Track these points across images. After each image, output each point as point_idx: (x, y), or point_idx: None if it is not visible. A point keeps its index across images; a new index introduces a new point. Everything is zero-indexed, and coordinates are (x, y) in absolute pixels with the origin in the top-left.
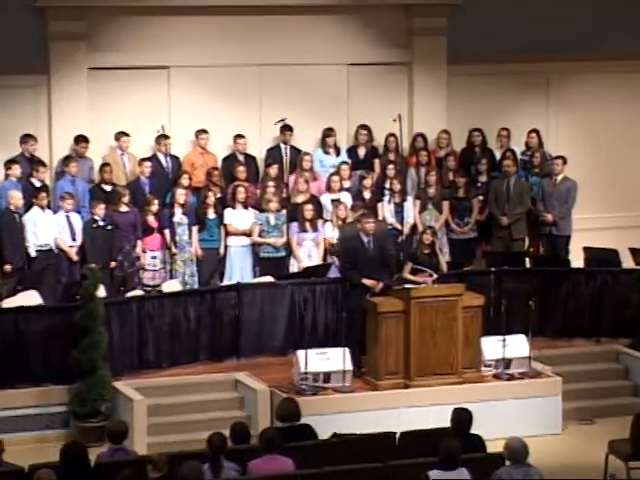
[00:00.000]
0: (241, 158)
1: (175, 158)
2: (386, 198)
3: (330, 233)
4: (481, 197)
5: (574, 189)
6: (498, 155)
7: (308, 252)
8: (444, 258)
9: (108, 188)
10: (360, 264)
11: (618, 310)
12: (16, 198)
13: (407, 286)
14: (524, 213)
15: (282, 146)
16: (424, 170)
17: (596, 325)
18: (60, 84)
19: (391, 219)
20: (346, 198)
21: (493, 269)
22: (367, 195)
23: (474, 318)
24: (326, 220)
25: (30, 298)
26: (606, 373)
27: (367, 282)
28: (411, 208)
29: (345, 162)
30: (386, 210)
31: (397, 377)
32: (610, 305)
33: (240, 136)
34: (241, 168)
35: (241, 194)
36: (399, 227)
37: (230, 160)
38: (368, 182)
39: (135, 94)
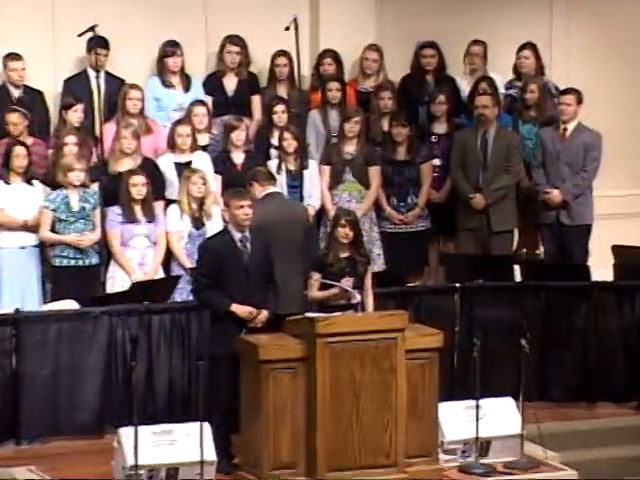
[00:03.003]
0: (17, 94)
1: None
2: (273, 163)
3: (177, 224)
4: (437, 160)
5: (597, 146)
6: (466, 88)
7: (140, 257)
8: (375, 265)
9: None
10: (229, 279)
11: None
12: None
13: (311, 315)
14: (512, 187)
15: (91, 74)
16: (338, 114)
17: (634, 380)
18: None
19: None
20: (203, 162)
21: (458, 284)
22: (239, 158)
23: (427, 370)
24: (170, 201)
25: None
26: None
27: (240, 310)
28: (316, 180)
29: (201, 101)
30: None
31: (294, 473)
32: None
33: (14, 56)
34: (16, 115)
35: (20, 158)
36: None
37: None
38: (240, 136)
39: None
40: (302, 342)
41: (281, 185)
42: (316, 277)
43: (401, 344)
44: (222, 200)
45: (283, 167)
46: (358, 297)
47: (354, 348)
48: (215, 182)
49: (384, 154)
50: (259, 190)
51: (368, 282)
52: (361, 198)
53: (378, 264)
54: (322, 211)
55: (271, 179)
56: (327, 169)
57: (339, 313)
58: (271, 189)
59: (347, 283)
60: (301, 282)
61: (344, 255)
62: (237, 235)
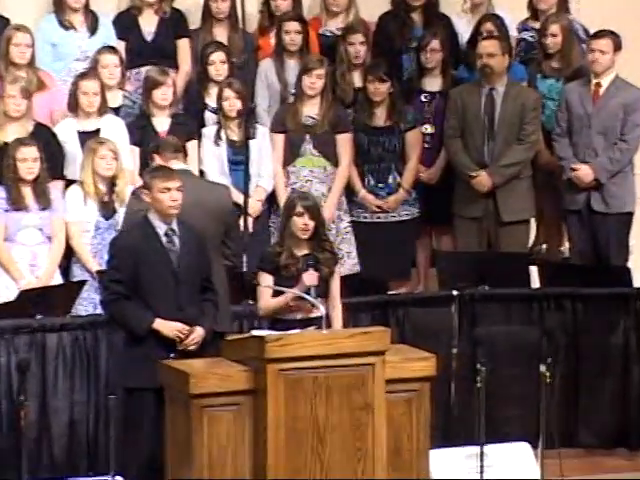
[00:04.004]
0: None
1: None
2: (209, 130)
3: (80, 212)
4: (428, 127)
5: None
6: (466, 31)
7: (31, 256)
8: (345, 266)
9: None
10: (151, 286)
11: None
12: None
13: (259, 333)
14: (527, 163)
15: None
16: (297, 65)
17: None
18: None
19: (220, 180)
20: (114, 129)
21: (455, 292)
22: (162, 124)
23: (414, 406)
24: (70, 182)
25: None
26: None
27: (166, 327)
28: (267, 153)
29: (111, 48)
30: (209, 158)
31: None
32: None
33: None
34: None
35: None
36: (239, 200)
37: None
38: (165, 94)
39: None
40: (248, 370)
41: (220, 159)
42: (267, 280)
43: (380, 372)
44: (141, 180)
45: (223, 136)
46: (322, 309)
47: (317, 378)
48: (131, 156)
49: (357, 118)
50: None
51: (335, 288)
52: (326, 176)
53: (349, 265)
54: (274, 195)
55: (178, 152)
56: (281, 138)
57: (297, 331)
58: (178, 165)
59: (310, 278)
60: (224, 289)
61: (303, 253)
62: (162, 227)
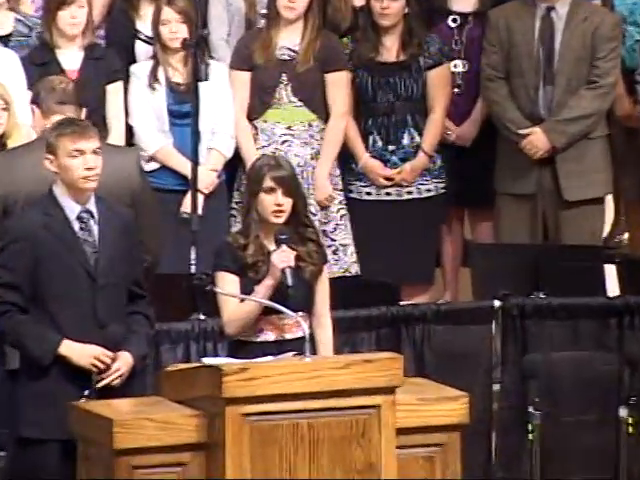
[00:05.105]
0: None
1: None
2: (141, 70)
3: None
4: (458, 64)
5: None
6: None
7: None
8: (338, 265)
9: None
10: (57, 293)
11: None
12: None
13: (213, 361)
14: (601, 117)
15: None
16: None
17: None
18: None
19: (158, 139)
20: (3, 66)
21: (497, 302)
22: (72, 60)
23: (438, 466)
24: None
25: None
26: None
27: (78, 353)
28: (225, 100)
29: None
30: (141, 109)
31: None
32: None
33: None
34: None
35: None
36: (185, 170)
37: None
38: (76, 17)
39: None
40: (198, 414)
41: (157, 110)
42: (232, 283)
43: (389, 418)
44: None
45: (161, 77)
46: (305, 326)
47: (298, 426)
48: (28, 105)
49: (357, 51)
50: (40, 123)
51: (323, 298)
52: (310, 136)
53: (346, 263)
54: (237, 161)
55: (65, 103)
56: (246, 79)
57: (268, 358)
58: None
59: (283, 257)
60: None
61: (272, 248)
62: (73, 208)
